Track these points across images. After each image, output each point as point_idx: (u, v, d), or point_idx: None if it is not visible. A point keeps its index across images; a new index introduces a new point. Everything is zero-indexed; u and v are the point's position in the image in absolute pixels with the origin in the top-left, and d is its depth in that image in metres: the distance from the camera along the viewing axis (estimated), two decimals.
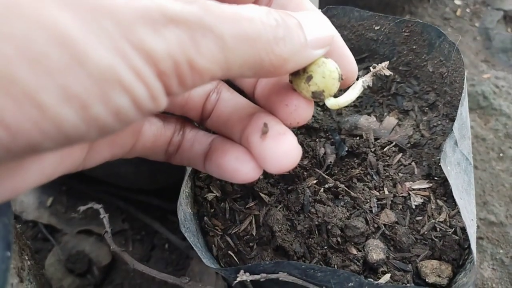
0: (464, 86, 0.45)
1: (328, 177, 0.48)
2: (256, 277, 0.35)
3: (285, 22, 0.25)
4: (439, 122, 0.52)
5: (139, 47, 0.17)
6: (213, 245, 0.45)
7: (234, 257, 0.44)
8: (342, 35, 0.53)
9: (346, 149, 0.51)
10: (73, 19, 0.16)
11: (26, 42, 0.15)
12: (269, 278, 0.36)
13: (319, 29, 0.28)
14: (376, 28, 0.53)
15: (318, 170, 0.49)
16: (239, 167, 0.31)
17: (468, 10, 1.14)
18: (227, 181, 0.48)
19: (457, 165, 0.44)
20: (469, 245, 0.42)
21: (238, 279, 0.35)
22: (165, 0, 0.19)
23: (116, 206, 0.70)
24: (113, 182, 0.67)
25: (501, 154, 0.84)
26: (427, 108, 0.53)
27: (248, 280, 0.35)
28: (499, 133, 0.87)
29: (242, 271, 0.35)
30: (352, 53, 0.56)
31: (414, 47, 0.52)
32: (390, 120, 0.53)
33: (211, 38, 0.20)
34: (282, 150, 0.29)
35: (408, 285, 0.37)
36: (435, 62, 0.51)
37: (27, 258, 0.36)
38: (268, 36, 0.23)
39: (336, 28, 0.50)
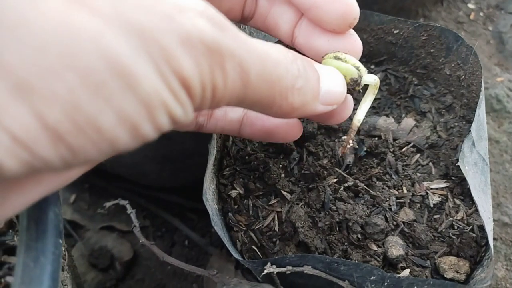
0: (481, 89, 0.46)
1: (348, 176, 0.49)
2: (282, 269, 0.37)
3: (307, 73, 0.27)
4: (456, 124, 0.53)
5: (178, 72, 0.19)
6: (237, 240, 0.47)
7: (258, 251, 0.46)
8: (361, 38, 0.55)
9: (365, 149, 0.52)
10: (126, 45, 0.17)
11: (88, 72, 0.16)
12: (294, 271, 0.37)
13: (334, 88, 0.30)
14: (395, 31, 0.54)
15: (337, 169, 0.50)
16: (284, 129, 0.35)
17: (481, 14, 1.14)
18: (250, 179, 0.50)
19: (474, 165, 0.45)
20: (487, 242, 0.43)
21: (266, 271, 0.36)
22: (205, 24, 0.20)
23: (137, 203, 0.72)
24: (135, 180, 0.69)
25: None
26: (444, 110, 0.55)
27: (275, 273, 0.37)
28: None
29: (269, 264, 0.37)
30: (371, 55, 0.58)
31: (432, 50, 0.54)
32: (408, 121, 0.54)
33: (238, 71, 0.22)
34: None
35: (428, 279, 0.38)
36: (453, 65, 0.53)
37: (63, 249, 0.38)
38: (288, 83, 0.25)
39: (356, 31, 0.52)
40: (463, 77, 0.52)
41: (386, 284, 0.37)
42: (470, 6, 1.16)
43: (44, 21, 0.16)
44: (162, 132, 0.20)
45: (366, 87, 0.37)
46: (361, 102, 0.38)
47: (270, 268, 0.37)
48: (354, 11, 0.32)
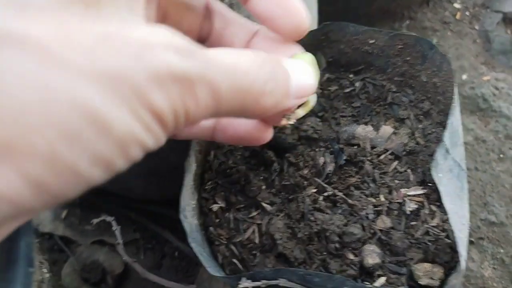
0: (454, 97, 0.47)
1: (327, 186, 0.50)
2: (257, 283, 0.38)
3: (276, 75, 0.28)
4: (433, 130, 0.54)
5: (149, 107, 0.20)
6: (218, 254, 0.48)
7: (239, 264, 0.46)
8: (338, 49, 0.56)
9: (344, 158, 0.53)
10: (98, 93, 0.18)
11: (64, 125, 0.17)
12: (269, 285, 0.38)
13: (305, 81, 0.31)
14: (371, 42, 0.55)
15: (317, 179, 0.51)
16: (255, 135, 0.38)
17: (467, 13, 1.15)
18: (231, 192, 0.51)
19: (449, 171, 0.46)
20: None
21: (240, 286, 0.37)
22: (172, 57, 0.21)
23: (128, 216, 0.73)
24: (124, 195, 0.70)
25: (501, 155, 0.85)
26: (422, 116, 0.56)
27: (250, 287, 0.38)
28: (499, 134, 0.89)
29: (244, 278, 0.38)
30: (349, 65, 0.59)
31: (408, 58, 0.55)
32: (386, 129, 0.55)
33: (208, 92, 0.22)
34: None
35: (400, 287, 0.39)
36: (428, 72, 0.54)
37: (45, 271, 0.39)
38: (258, 89, 0.26)
39: (332, 43, 0.53)
40: (438, 84, 0.53)
41: None
42: (456, 5, 1.16)
43: (20, 83, 0.17)
44: (134, 161, 0.22)
45: None
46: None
47: (244, 283, 0.38)
48: (306, 23, 0.34)
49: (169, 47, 0.21)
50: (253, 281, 0.38)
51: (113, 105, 0.19)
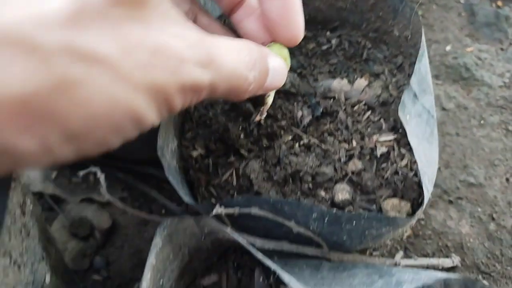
0: (422, 44, 0.49)
1: (303, 134, 0.52)
2: (230, 210, 0.40)
3: (260, 77, 0.34)
4: (405, 82, 0.56)
5: (170, 107, 0.26)
6: (198, 195, 0.50)
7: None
8: (313, 6, 0.57)
9: (321, 110, 0.55)
10: (144, 100, 0.24)
11: (118, 123, 0.23)
12: (242, 213, 0.41)
13: (276, 82, 0.38)
14: None
15: (294, 128, 0.53)
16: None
17: None
18: (211, 140, 0.53)
19: (417, 116, 0.48)
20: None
21: (214, 212, 0.39)
22: (197, 71, 0.26)
23: (116, 177, 0.75)
24: (113, 155, 0.72)
25: (482, 122, 0.88)
26: (395, 70, 0.58)
27: (223, 214, 0.40)
28: (481, 102, 0.91)
29: (217, 205, 0.40)
30: (324, 22, 0.61)
31: (380, 13, 0.57)
32: (361, 82, 0.57)
33: (210, 91, 0.29)
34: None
35: (364, 213, 0.41)
36: (400, 26, 0.56)
37: (26, 199, 0.41)
38: (243, 88, 0.32)
39: (308, 0, 0.55)
40: (409, 37, 0.55)
41: (327, 220, 0.40)
42: None
43: (95, 96, 0.21)
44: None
45: None
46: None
47: (218, 210, 0.40)
48: (298, 39, 0.40)
49: (196, 63, 0.26)
50: (226, 207, 0.40)
51: (150, 107, 0.24)
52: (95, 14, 0.21)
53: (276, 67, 0.37)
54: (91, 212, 0.71)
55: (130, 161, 0.74)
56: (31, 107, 0.19)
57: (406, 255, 0.70)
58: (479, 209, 0.76)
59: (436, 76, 0.96)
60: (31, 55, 0.19)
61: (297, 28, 0.39)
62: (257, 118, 0.45)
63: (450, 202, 0.77)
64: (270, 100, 0.44)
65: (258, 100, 0.56)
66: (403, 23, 0.55)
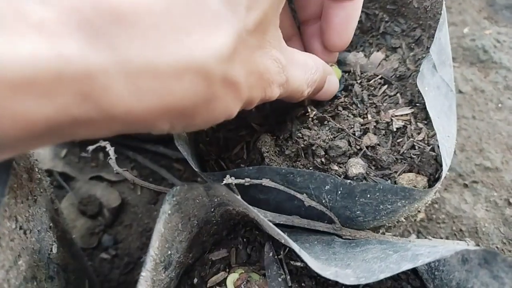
0: (443, 13, 0.47)
1: (316, 106, 0.50)
2: (241, 181, 0.39)
3: (314, 91, 0.42)
4: (424, 55, 0.54)
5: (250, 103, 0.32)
6: (208, 168, 0.49)
7: None
8: None
9: (342, 87, 0.53)
10: (238, 107, 0.30)
11: (216, 120, 0.29)
12: (253, 184, 0.39)
13: (330, 92, 0.47)
14: None
15: (307, 101, 0.52)
16: None
17: None
18: None
19: (436, 88, 0.46)
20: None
21: (224, 181, 0.38)
22: (275, 89, 0.33)
23: (126, 155, 0.74)
24: (122, 134, 0.71)
25: (499, 105, 0.85)
26: (413, 44, 0.56)
27: (234, 184, 0.39)
28: (499, 85, 0.88)
29: (228, 176, 0.39)
30: None
31: None
32: (377, 55, 0.55)
33: (281, 90, 0.34)
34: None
35: (378, 183, 0.39)
36: None
37: (33, 163, 0.40)
38: (298, 97, 0.39)
39: None
40: (429, 7, 0.53)
41: (340, 192, 0.39)
42: None
43: (219, 107, 0.28)
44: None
45: None
46: None
47: (229, 179, 0.38)
48: (343, 48, 0.46)
49: (278, 85, 0.33)
50: (236, 178, 0.39)
51: (238, 110, 0.30)
52: (243, 46, 0.27)
53: (331, 85, 0.46)
54: (100, 190, 0.70)
55: (140, 139, 0.74)
56: (184, 113, 0.26)
57: (419, 239, 0.69)
58: (495, 194, 0.74)
59: (453, 59, 0.93)
60: (205, 82, 0.25)
61: (348, 38, 0.46)
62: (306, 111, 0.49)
63: (465, 185, 0.75)
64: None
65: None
66: None
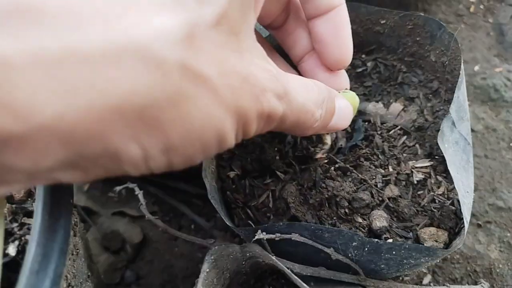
0: (461, 72, 0.49)
1: (338, 158, 0.53)
2: (272, 236, 0.41)
3: (326, 115, 0.37)
4: (442, 107, 0.56)
5: (247, 131, 0.28)
6: (235, 216, 0.51)
7: (253, 226, 0.49)
8: (351, 29, 0.58)
9: (362, 137, 0.55)
10: (231, 123, 0.25)
11: (207, 142, 0.25)
12: (283, 238, 0.41)
13: (340, 124, 0.41)
14: (382, 22, 0.58)
15: (329, 153, 0.54)
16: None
17: (481, 6, 1.16)
18: (247, 161, 0.54)
19: (455, 144, 0.48)
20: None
21: (256, 237, 0.40)
22: (274, 101, 0.28)
23: (147, 191, 0.76)
24: None
25: (511, 144, 0.87)
26: (431, 95, 0.58)
27: (265, 239, 0.41)
28: (510, 124, 0.90)
29: (259, 231, 0.41)
30: (361, 45, 0.61)
31: (417, 38, 0.57)
32: (396, 106, 0.57)
33: (279, 122, 0.31)
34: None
35: (404, 243, 0.41)
36: (437, 52, 0.56)
37: (77, 219, 0.42)
38: (309, 125, 0.35)
39: None
40: (446, 63, 0.55)
41: (367, 249, 0.41)
42: None
43: (196, 113, 0.23)
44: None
45: None
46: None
47: (260, 235, 0.40)
48: (347, 60, 0.42)
49: (274, 94, 0.29)
50: (267, 233, 0.41)
51: (233, 130, 0.26)
52: (202, 37, 0.23)
53: (342, 108, 0.40)
54: (123, 225, 0.72)
55: (161, 175, 0.76)
56: (145, 117, 0.21)
57: (434, 279, 0.70)
58: (508, 234, 0.75)
59: None
60: (157, 69, 0.20)
61: (346, 49, 0.42)
62: (318, 156, 0.49)
63: (479, 226, 0.77)
64: (329, 140, 0.49)
65: (315, 139, 0.57)
66: (440, 49, 0.55)
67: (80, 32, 0.19)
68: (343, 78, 0.45)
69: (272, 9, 0.42)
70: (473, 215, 0.77)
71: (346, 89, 0.45)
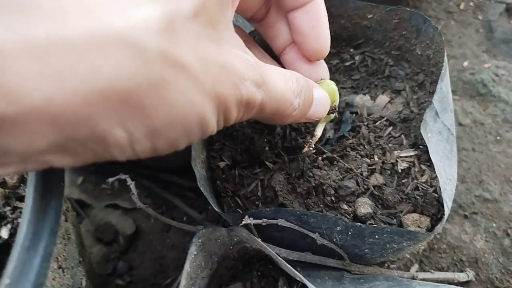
0: (444, 64, 0.51)
1: (326, 147, 0.54)
2: (258, 221, 0.42)
3: (304, 104, 0.39)
4: (427, 99, 0.57)
5: (228, 118, 0.30)
6: (224, 204, 0.52)
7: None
8: (339, 24, 0.59)
9: (348, 129, 0.57)
10: (211, 108, 0.27)
11: (188, 126, 0.26)
12: (269, 224, 0.42)
13: (320, 112, 0.42)
14: (369, 16, 0.59)
15: (317, 145, 0.55)
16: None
17: (471, 3, 1.18)
18: (237, 152, 0.55)
19: (438, 133, 0.50)
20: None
21: (243, 222, 0.41)
22: (253, 90, 0.30)
23: (140, 183, 0.77)
24: (137, 163, 0.74)
25: (498, 138, 0.89)
26: (416, 88, 0.59)
27: (252, 224, 0.42)
28: (497, 118, 0.92)
29: (246, 216, 0.42)
30: (349, 39, 0.63)
31: (403, 32, 0.58)
32: (383, 98, 0.59)
33: (258, 111, 0.32)
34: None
35: (386, 227, 0.43)
36: (422, 45, 0.57)
37: (69, 205, 0.43)
38: (287, 113, 0.37)
39: (334, 17, 0.57)
40: (431, 56, 0.56)
41: (350, 233, 0.42)
42: None
43: (178, 98, 0.25)
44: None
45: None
46: (319, 122, 0.51)
47: (247, 220, 0.42)
48: (325, 50, 0.44)
49: (254, 82, 0.30)
50: (254, 219, 0.42)
51: (213, 115, 0.28)
52: (181, 28, 0.24)
53: (320, 98, 0.42)
54: (115, 217, 0.73)
55: (154, 169, 0.77)
56: (129, 101, 0.22)
57: (421, 268, 0.72)
58: (494, 225, 0.77)
59: (453, 92, 0.97)
60: (138, 56, 0.22)
61: (324, 40, 0.44)
62: (305, 149, 0.49)
63: (466, 216, 0.78)
64: (319, 132, 0.49)
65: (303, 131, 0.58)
66: (425, 42, 0.57)
67: (66, 23, 0.20)
68: (322, 69, 0.47)
69: (252, 3, 0.43)
70: (460, 206, 0.79)
71: (322, 79, 0.47)
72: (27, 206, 0.29)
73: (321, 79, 0.47)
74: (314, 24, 0.42)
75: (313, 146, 0.50)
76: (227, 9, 0.29)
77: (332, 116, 0.49)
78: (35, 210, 0.29)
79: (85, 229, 0.72)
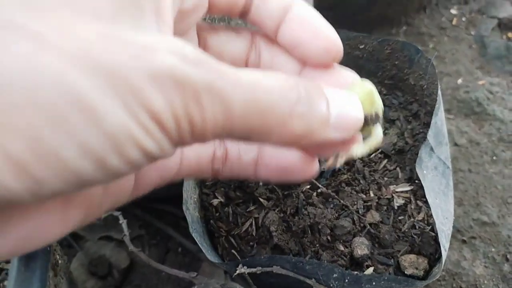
0: (438, 98, 0.50)
1: (319, 183, 0.53)
2: (253, 270, 0.41)
3: (310, 98, 0.25)
4: (421, 130, 0.57)
5: (146, 106, 0.19)
6: (218, 245, 0.51)
7: (237, 255, 0.50)
8: None
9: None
10: (89, 82, 0.18)
11: (48, 107, 0.17)
12: (264, 271, 0.41)
13: (348, 111, 0.27)
14: (360, 46, 0.58)
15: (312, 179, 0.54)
16: (299, 167, 0.33)
17: (463, 19, 1.18)
18: (230, 188, 0.54)
19: (434, 169, 0.49)
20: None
21: (237, 271, 0.40)
22: (175, 61, 0.20)
23: (134, 213, 0.76)
24: None
25: (494, 158, 0.88)
26: (411, 117, 0.59)
27: (246, 273, 0.41)
28: (493, 137, 0.92)
29: (240, 265, 0.41)
30: None
31: (396, 62, 0.58)
32: None
33: (217, 104, 0.21)
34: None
35: (383, 274, 0.42)
36: (416, 75, 0.57)
37: (58, 257, 0.42)
38: (284, 110, 0.23)
39: None
40: (425, 86, 0.56)
41: (347, 280, 0.41)
42: (453, 11, 1.20)
43: (12, 62, 0.17)
44: (136, 166, 0.21)
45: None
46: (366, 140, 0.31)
47: (241, 269, 0.41)
48: (337, 45, 0.31)
49: (175, 53, 0.20)
50: (249, 267, 0.41)
51: (106, 96, 0.18)
52: (50, 9, 0.19)
53: (339, 97, 0.27)
54: (109, 250, 0.72)
55: (147, 198, 0.76)
56: None
57: None
58: (493, 249, 0.76)
59: (448, 110, 0.97)
60: None
61: (327, 35, 0.30)
62: (329, 162, 0.30)
63: (464, 241, 0.78)
64: (356, 150, 0.30)
65: None
66: (418, 73, 0.56)
67: None
68: (345, 71, 0.34)
69: (235, 54, 0.34)
70: (458, 230, 0.78)
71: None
72: (11, 279, 0.28)
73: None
74: (306, 26, 0.30)
75: (343, 162, 0.30)
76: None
77: (377, 129, 0.31)
78: (19, 283, 0.28)
79: (79, 263, 0.71)
